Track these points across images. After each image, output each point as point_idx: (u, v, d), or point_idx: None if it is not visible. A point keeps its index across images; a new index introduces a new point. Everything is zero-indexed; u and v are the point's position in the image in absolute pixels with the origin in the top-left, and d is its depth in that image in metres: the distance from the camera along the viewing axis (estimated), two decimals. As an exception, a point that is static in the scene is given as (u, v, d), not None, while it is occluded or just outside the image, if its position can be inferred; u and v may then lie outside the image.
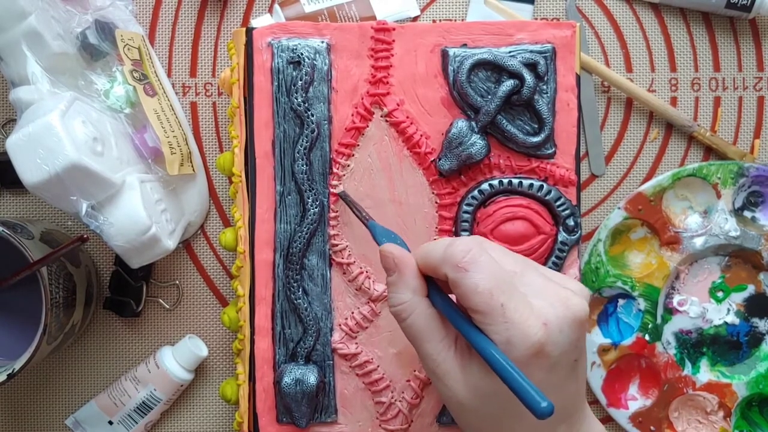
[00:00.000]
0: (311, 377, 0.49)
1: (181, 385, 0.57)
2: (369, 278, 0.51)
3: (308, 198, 0.51)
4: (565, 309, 0.36)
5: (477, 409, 0.37)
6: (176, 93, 0.59)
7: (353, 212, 0.49)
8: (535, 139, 0.50)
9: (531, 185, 0.51)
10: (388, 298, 0.40)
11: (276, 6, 0.58)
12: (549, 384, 0.36)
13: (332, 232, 0.51)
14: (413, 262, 0.40)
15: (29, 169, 0.46)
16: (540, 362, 0.35)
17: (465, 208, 0.51)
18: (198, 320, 0.59)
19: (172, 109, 0.55)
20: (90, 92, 0.53)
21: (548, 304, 0.36)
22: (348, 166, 0.51)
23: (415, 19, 0.59)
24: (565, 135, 0.51)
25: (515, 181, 0.51)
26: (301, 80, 0.50)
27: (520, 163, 0.51)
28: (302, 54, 0.50)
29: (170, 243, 0.52)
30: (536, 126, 0.51)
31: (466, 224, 0.51)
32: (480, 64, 0.50)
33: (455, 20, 0.60)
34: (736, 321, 0.57)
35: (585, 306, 0.37)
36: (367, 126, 0.51)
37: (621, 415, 0.57)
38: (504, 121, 0.50)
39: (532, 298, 0.36)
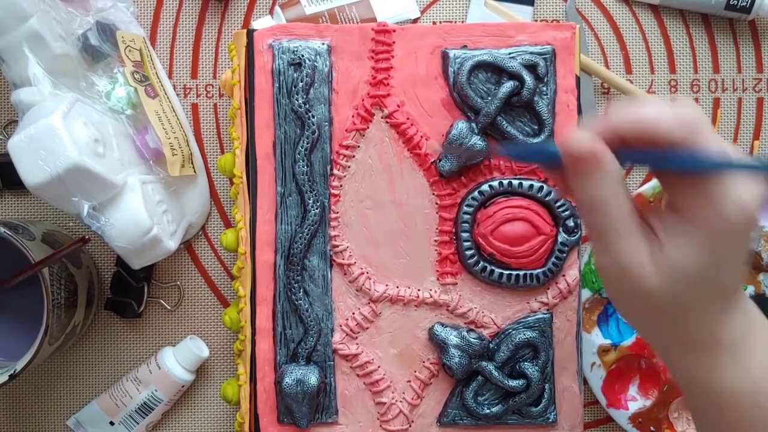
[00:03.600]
0: (312, 378, 0.50)
1: (183, 386, 0.57)
2: (369, 279, 0.52)
3: (309, 199, 0.51)
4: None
5: (668, 297, 0.36)
6: (177, 94, 0.59)
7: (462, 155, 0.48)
8: (535, 141, 0.50)
9: (531, 186, 0.51)
10: (579, 192, 0.36)
11: (277, 8, 0.59)
12: (732, 254, 0.35)
13: (333, 233, 0.51)
14: (610, 152, 0.36)
15: (31, 170, 0.46)
16: (748, 236, 0.35)
17: (465, 209, 0.51)
18: (199, 321, 0.59)
19: (174, 111, 0.56)
20: (91, 94, 0.53)
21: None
22: (348, 167, 0.51)
23: (415, 20, 0.60)
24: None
25: (515, 182, 0.51)
26: (301, 82, 0.51)
27: (519, 164, 0.51)
28: (303, 56, 0.51)
29: (171, 244, 0.53)
30: (536, 127, 0.51)
31: (467, 225, 0.51)
32: (480, 66, 0.50)
33: (455, 22, 0.60)
34: (736, 322, 0.57)
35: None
36: (368, 127, 0.51)
37: (621, 416, 0.57)
38: (504, 123, 0.50)
39: None
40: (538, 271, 0.51)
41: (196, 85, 0.60)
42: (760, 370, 0.37)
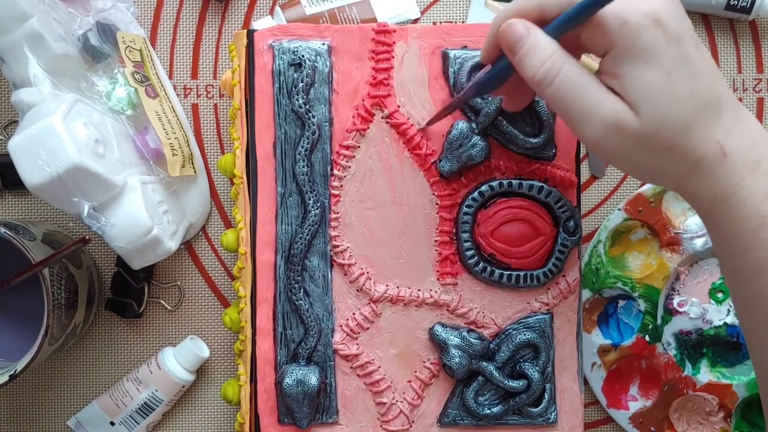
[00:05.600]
0: (312, 378, 0.50)
1: (183, 386, 0.57)
2: (370, 279, 0.52)
3: (309, 199, 0.51)
4: None
5: (656, 127, 0.37)
6: (178, 95, 0.59)
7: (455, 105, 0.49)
8: (536, 141, 0.50)
9: (531, 187, 0.51)
10: (526, 67, 0.38)
11: (277, 8, 0.59)
12: (680, 57, 0.37)
13: (333, 234, 0.51)
14: (537, 27, 0.39)
15: (31, 171, 0.46)
16: (664, 32, 0.36)
17: (465, 209, 0.51)
18: (199, 321, 0.60)
19: (174, 111, 0.56)
20: (92, 94, 0.53)
21: None
22: (349, 167, 0.52)
23: (415, 21, 0.60)
24: (566, 137, 0.51)
25: (515, 182, 0.51)
26: (302, 82, 0.51)
27: (520, 165, 0.51)
28: (303, 56, 0.51)
29: (172, 244, 0.53)
30: (537, 128, 0.51)
31: (467, 225, 0.51)
32: (480, 66, 0.50)
33: (456, 22, 0.60)
34: (736, 322, 0.57)
35: None
36: (368, 128, 0.51)
37: (621, 416, 0.57)
38: (504, 123, 0.50)
39: None
40: (539, 271, 0.51)
41: (197, 85, 0.60)
42: None
